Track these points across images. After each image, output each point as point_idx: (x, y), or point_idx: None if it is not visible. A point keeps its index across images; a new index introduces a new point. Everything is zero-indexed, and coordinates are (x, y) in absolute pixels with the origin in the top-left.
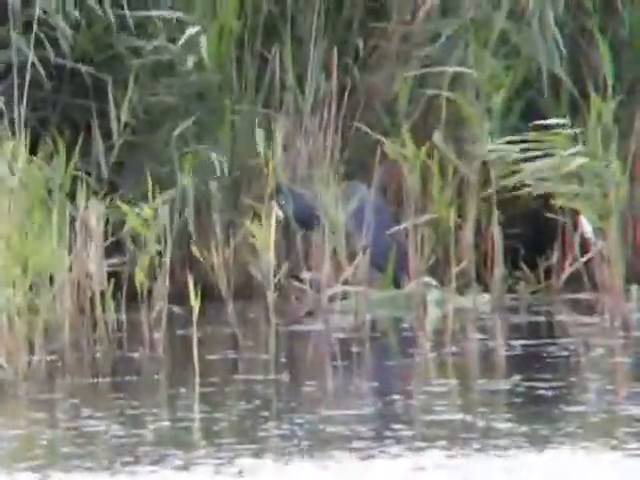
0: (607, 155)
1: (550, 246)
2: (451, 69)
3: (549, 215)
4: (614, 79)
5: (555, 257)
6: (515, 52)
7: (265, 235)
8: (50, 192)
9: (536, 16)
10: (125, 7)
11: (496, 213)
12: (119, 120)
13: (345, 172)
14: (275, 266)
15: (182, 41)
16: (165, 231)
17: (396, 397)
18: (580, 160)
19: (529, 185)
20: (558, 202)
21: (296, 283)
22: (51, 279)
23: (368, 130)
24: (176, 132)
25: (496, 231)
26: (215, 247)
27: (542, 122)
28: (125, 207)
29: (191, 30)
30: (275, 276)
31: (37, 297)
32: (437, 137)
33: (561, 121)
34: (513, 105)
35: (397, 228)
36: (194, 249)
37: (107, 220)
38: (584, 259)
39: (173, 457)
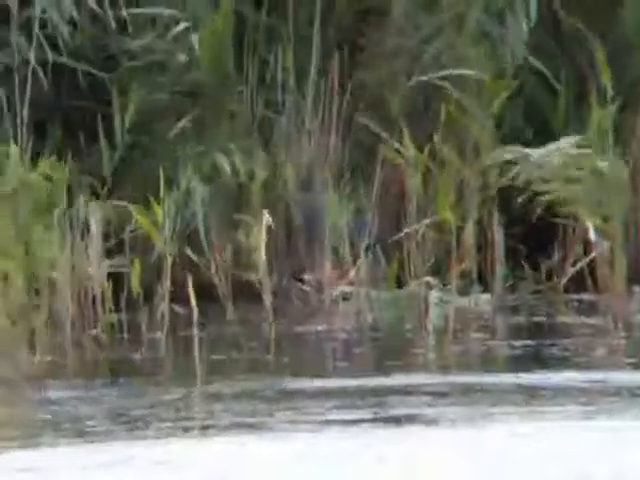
0: (609, 157)
1: (552, 247)
2: (456, 72)
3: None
4: (614, 81)
5: (557, 258)
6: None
7: (256, 241)
8: (52, 193)
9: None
10: (117, 5)
11: (497, 214)
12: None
13: (346, 174)
14: (269, 269)
15: (170, 36)
16: (166, 232)
17: (398, 397)
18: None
19: (531, 189)
20: (562, 209)
21: (298, 284)
22: (52, 280)
23: (370, 124)
24: (172, 132)
25: (497, 231)
26: (213, 250)
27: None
28: (133, 208)
29: (180, 26)
30: (271, 278)
31: (38, 298)
32: (439, 139)
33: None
34: (512, 106)
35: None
36: (189, 252)
37: (109, 220)
38: (586, 260)
39: (177, 456)
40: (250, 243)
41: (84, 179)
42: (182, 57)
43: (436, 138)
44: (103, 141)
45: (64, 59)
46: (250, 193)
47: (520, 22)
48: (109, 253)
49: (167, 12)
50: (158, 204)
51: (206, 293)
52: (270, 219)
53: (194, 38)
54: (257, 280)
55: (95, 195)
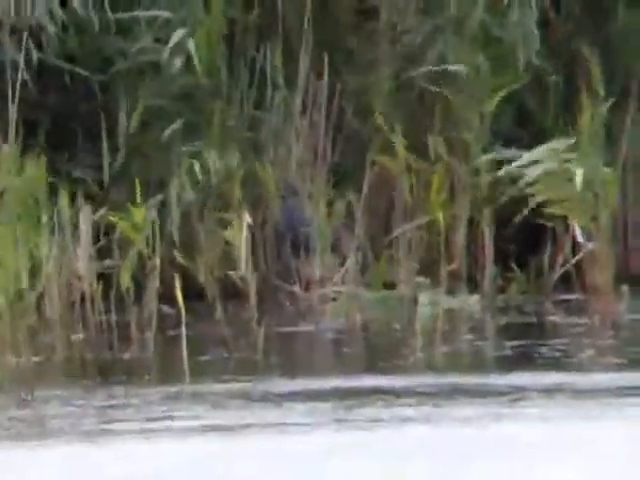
0: (598, 157)
1: (541, 247)
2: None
3: (540, 220)
4: (606, 82)
5: (545, 258)
6: (495, 43)
7: (238, 241)
8: (40, 195)
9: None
10: (110, 8)
11: (487, 215)
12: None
13: (335, 174)
14: (256, 268)
15: (171, 44)
16: (154, 233)
17: (384, 397)
18: (575, 177)
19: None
20: (549, 210)
21: (287, 285)
22: (42, 280)
23: (358, 125)
24: (165, 134)
25: (487, 232)
26: (200, 250)
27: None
28: (112, 214)
29: (179, 32)
30: (257, 278)
31: (27, 298)
32: (432, 140)
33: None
34: (505, 107)
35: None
36: (177, 254)
37: (98, 221)
38: (574, 260)
39: (166, 455)
40: (235, 242)
41: (73, 180)
42: (178, 62)
43: (429, 139)
44: (105, 143)
45: (57, 61)
46: (233, 192)
47: (530, 23)
48: (98, 253)
49: (160, 15)
50: (135, 207)
51: (195, 292)
52: (249, 218)
53: (190, 44)
54: (239, 277)
55: (86, 196)
